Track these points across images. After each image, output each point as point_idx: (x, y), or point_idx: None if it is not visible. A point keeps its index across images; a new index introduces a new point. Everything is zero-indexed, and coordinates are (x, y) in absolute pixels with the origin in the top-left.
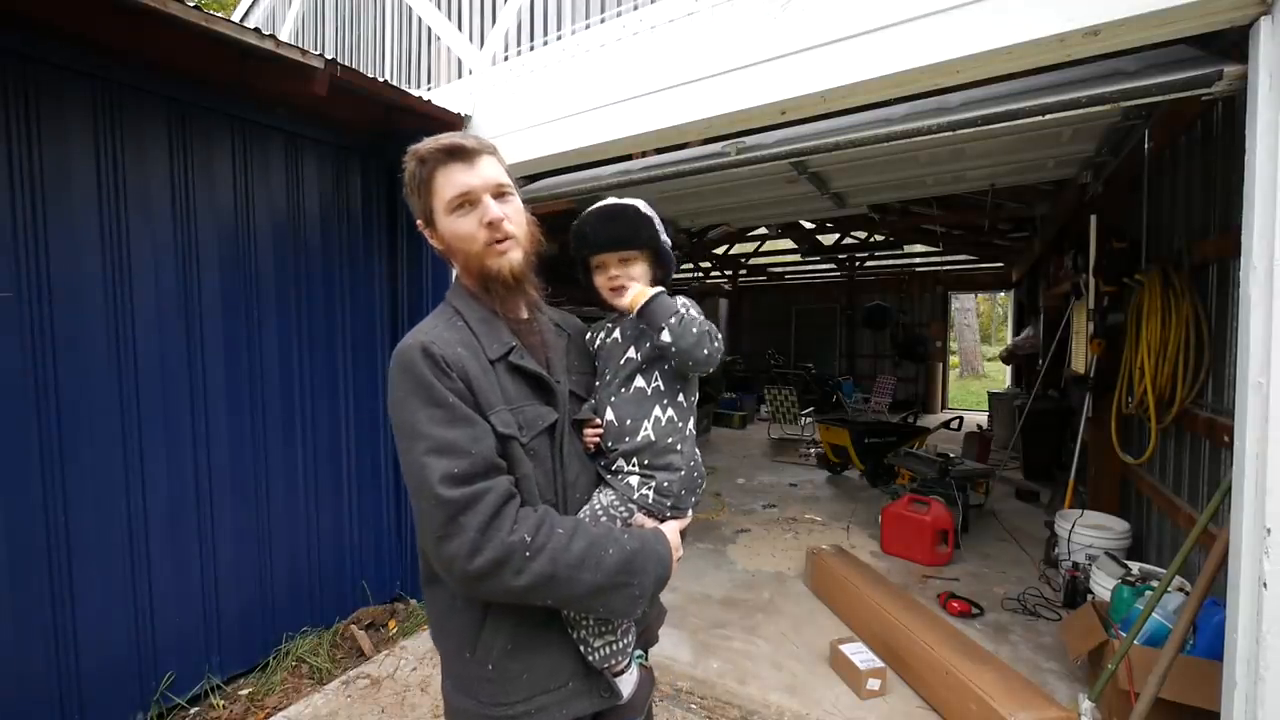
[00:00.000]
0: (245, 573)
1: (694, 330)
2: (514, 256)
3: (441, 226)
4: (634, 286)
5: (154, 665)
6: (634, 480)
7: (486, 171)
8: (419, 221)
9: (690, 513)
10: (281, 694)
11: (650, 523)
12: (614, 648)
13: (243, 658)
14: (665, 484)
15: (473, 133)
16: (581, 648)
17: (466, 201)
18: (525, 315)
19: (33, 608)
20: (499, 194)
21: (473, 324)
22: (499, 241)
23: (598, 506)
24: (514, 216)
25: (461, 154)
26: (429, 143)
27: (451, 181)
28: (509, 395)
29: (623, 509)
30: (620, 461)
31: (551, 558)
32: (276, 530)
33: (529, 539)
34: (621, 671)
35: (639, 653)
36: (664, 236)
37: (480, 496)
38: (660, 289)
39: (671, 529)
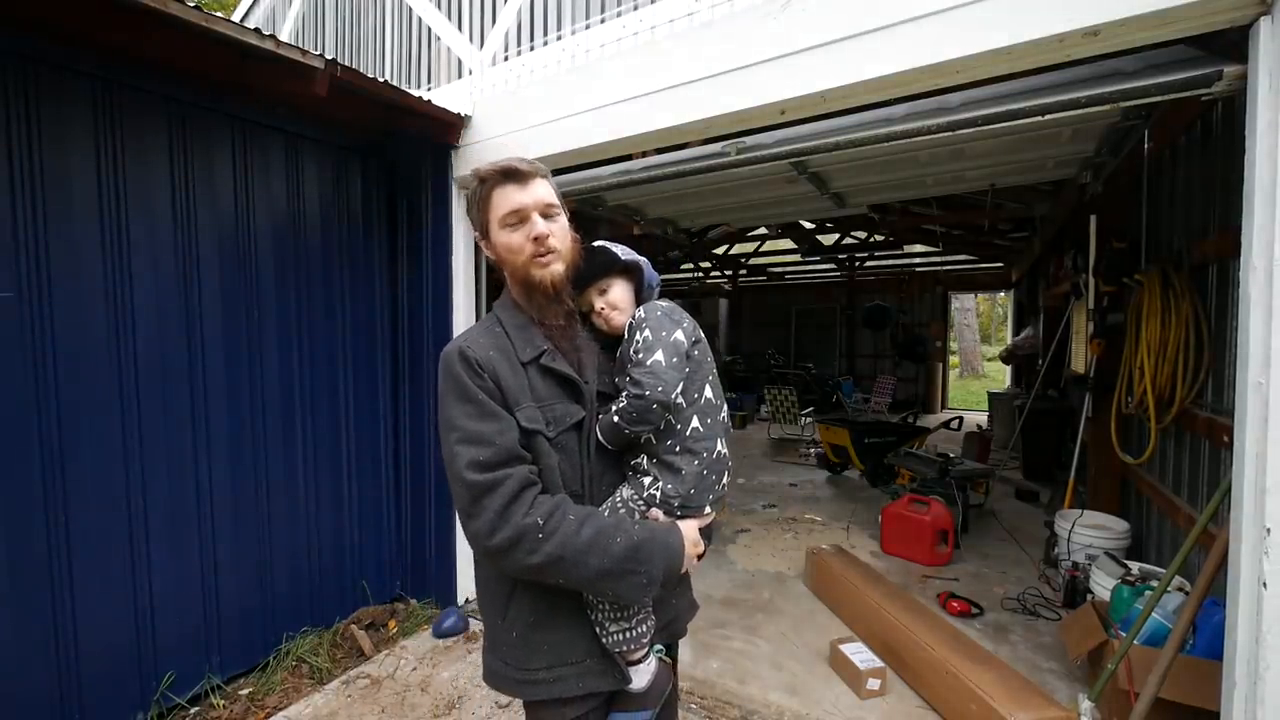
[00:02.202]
0: (245, 573)
1: (625, 430)
2: (555, 269)
3: (494, 239)
4: (616, 316)
5: (154, 665)
6: (646, 480)
7: (538, 192)
8: (476, 234)
9: (709, 511)
10: (282, 694)
11: (664, 518)
12: (628, 635)
13: (243, 657)
14: (669, 487)
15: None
16: (597, 629)
17: (518, 218)
18: (562, 322)
19: (33, 608)
20: (547, 213)
21: (510, 330)
22: (543, 254)
23: (619, 500)
24: (558, 234)
25: (516, 176)
26: (489, 165)
27: (506, 200)
28: (539, 394)
29: (640, 503)
30: (641, 458)
31: (561, 541)
32: (276, 530)
33: (541, 523)
34: (637, 661)
35: (659, 647)
36: (624, 255)
37: (501, 482)
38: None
39: (689, 525)
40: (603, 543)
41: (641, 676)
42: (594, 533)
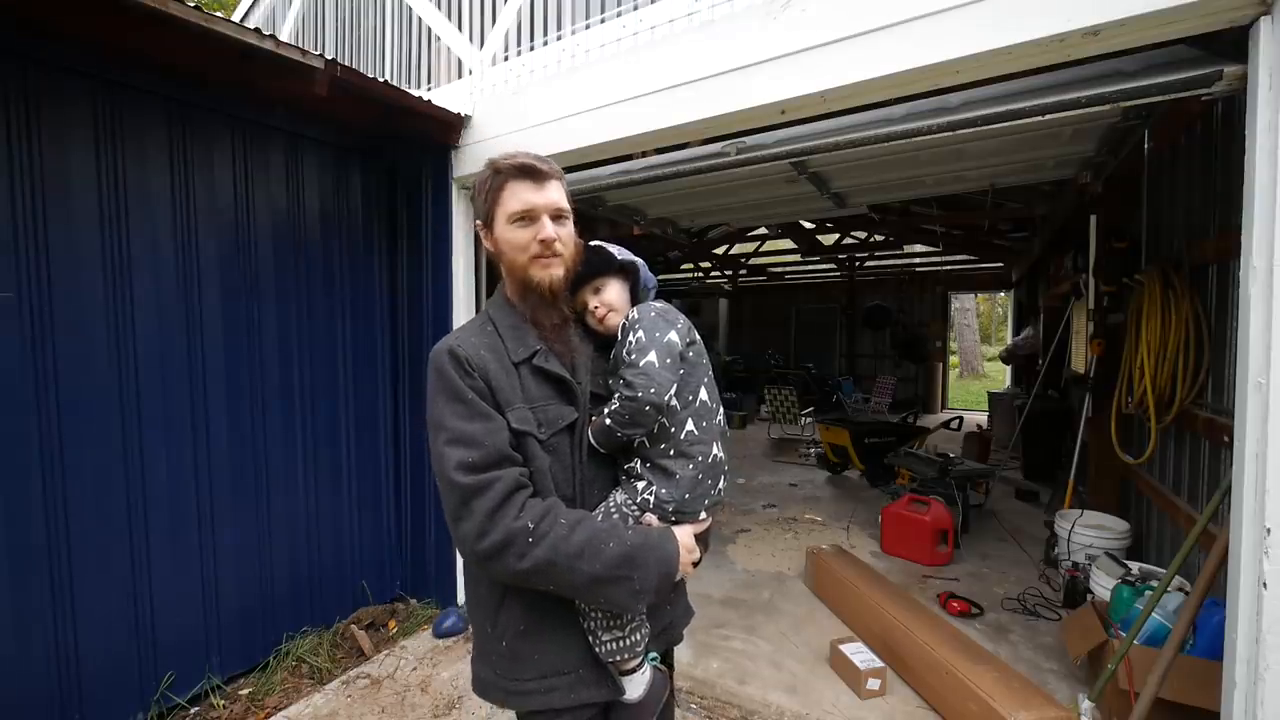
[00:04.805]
0: (245, 572)
1: (617, 434)
2: (556, 273)
3: (498, 232)
4: (610, 316)
5: (154, 665)
6: (640, 484)
7: (551, 195)
8: (478, 221)
9: (705, 516)
10: (282, 694)
11: (659, 524)
12: (621, 644)
13: (243, 657)
14: (663, 491)
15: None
16: (590, 639)
17: (528, 217)
18: (556, 322)
19: (33, 608)
20: (556, 216)
21: (502, 330)
22: (546, 257)
23: (612, 504)
24: (565, 238)
25: (533, 174)
26: (507, 158)
27: (518, 197)
28: (530, 395)
29: (634, 508)
30: (635, 462)
31: (552, 545)
32: (276, 530)
33: (531, 526)
34: (631, 670)
35: (654, 655)
36: (620, 255)
37: (490, 484)
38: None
39: (684, 531)
40: (594, 548)
41: (636, 687)
42: (586, 538)
